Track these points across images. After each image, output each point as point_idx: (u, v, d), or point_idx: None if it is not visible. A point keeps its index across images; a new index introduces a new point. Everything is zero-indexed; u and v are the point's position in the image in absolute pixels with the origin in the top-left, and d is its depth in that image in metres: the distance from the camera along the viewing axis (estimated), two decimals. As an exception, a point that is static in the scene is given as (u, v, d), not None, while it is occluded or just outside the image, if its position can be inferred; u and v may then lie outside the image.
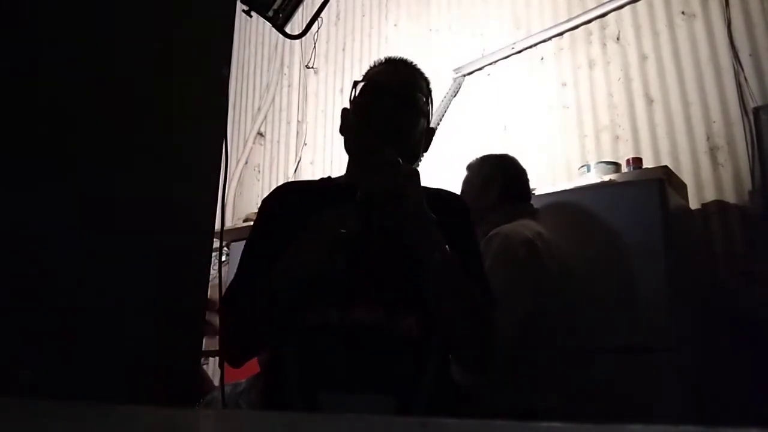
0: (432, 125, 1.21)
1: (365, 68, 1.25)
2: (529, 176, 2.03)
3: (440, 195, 1.15)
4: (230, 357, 1.13)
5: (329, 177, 1.25)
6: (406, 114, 1.10)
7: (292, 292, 1.02)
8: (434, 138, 1.21)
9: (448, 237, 1.04)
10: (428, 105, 1.17)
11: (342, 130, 1.21)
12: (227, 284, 1.17)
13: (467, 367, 1.14)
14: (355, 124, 1.14)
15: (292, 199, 1.17)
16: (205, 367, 2.81)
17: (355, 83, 1.16)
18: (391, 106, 1.08)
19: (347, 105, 1.23)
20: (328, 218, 1.00)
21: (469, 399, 1.31)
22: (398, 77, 1.14)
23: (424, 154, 1.19)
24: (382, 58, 1.22)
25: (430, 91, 1.19)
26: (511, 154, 2.05)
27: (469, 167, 2.00)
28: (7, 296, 0.83)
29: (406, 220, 0.99)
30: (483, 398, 1.49)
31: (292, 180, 1.27)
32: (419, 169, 1.12)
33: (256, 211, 1.26)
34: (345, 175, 1.18)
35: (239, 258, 1.17)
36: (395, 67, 1.18)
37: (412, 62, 1.20)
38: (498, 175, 1.93)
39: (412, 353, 0.99)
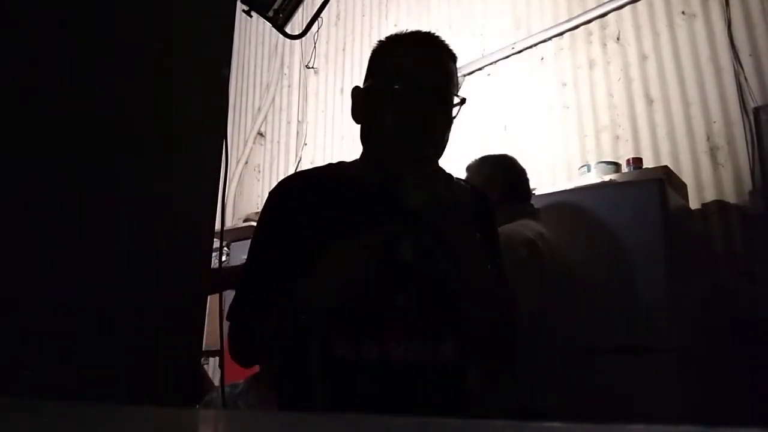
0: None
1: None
2: (529, 176, 2.03)
3: (471, 190, 1.09)
4: (239, 362, 1.07)
5: (339, 163, 1.13)
6: (444, 114, 1.00)
7: (322, 317, 0.92)
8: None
9: (483, 235, 1.00)
10: (456, 87, 1.05)
11: (356, 116, 1.07)
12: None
13: (496, 372, 1.12)
14: (385, 123, 0.99)
15: (304, 194, 1.05)
16: (205, 367, 2.81)
17: (381, 82, 1.02)
18: (432, 109, 0.97)
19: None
20: (374, 238, 0.90)
21: (472, 399, 1.31)
22: (436, 71, 1.00)
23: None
24: (408, 35, 1.05)
25: (456, 64, 1.06)
26: (511, 154, 2.04)
27: (469, 168, 2.00)
28: (8, 296, 0.83)
29: (455, 238, 0.92)
30: (484, 397, 1.49)
31: (299, 171, 1.13)
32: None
33: (257, 211, 1.24)
34: (360, 165, 1.08)
35: (246, 260, 1.08)
36: (430, 55, 1.02)
37: (442, 41, 1.04)
38: (498, 176, 1.93)
39: (448, 380, 0.95)
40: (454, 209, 0.91)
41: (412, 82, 0.98)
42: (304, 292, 0.92)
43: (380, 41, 1.07)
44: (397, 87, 0.98)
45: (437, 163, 1.00)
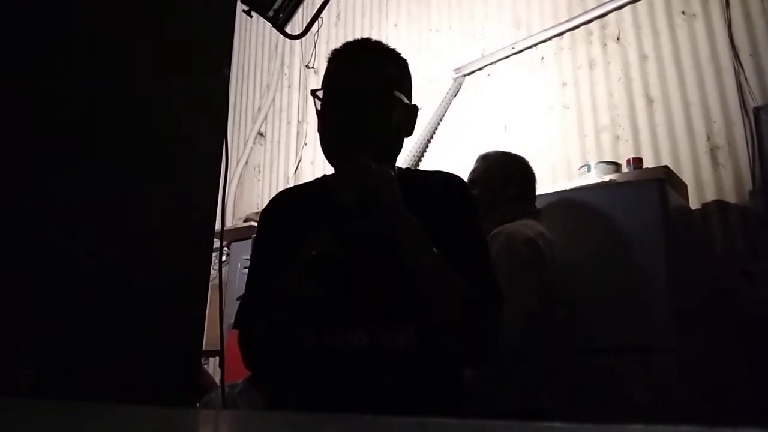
0: (418, 107, 1.12)
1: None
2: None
3: (437, 178, 1.10)
4: (252, 368, 1.14)
5: (324, 176, 1.20)
6: (368, 115, 1.02)
7: (282, 317, 1.00)
8: (417, 115, 1.12)
9: (445, 220, 1.00)
10: (400, 84, 1.08)
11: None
12: (226, 285, 1.17)
13: (466, 363, 1.08)
14: (320, 132, 1.08)
15: (289, 208, 1.14)
16: (205, 366, 2.81)
17: (313, 92, 1.09)
18: (349, 113, 1.02)
19: None
20: (305, 241, 0.97)
21: (472, 398, 1.31)
22: (351, 76, 1.05)
23: (408, 136, 1.11)
24: (333, 51, 1.13)
25: (401, 67, 1.10)
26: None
27: (488, 157, 1.98)
28: (8, 297, 0.83)
29: (382, 225, 0.94)
30: (484, 397, 1.49)
31: (289, 186, 1.19)
32: (403, 148, 1.09)
33: (257, 211, 1.25)
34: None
35: (248, 271, 1.17)
36: (346, 62, 1.09)
37: (367, 46, 1.10)
38: (519, 175, 1.94)
39: (413, 367, 0.96)
40: (382, 201, 0.93)
41: (331, 86, 1.06)
42: (270, 296, 1.02)
43: (331, 52, 1.14)
44: (320, 93, 1.06)
45: (381, 163, 1.00)
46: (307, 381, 1.00)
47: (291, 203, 1.15)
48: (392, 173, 0.98)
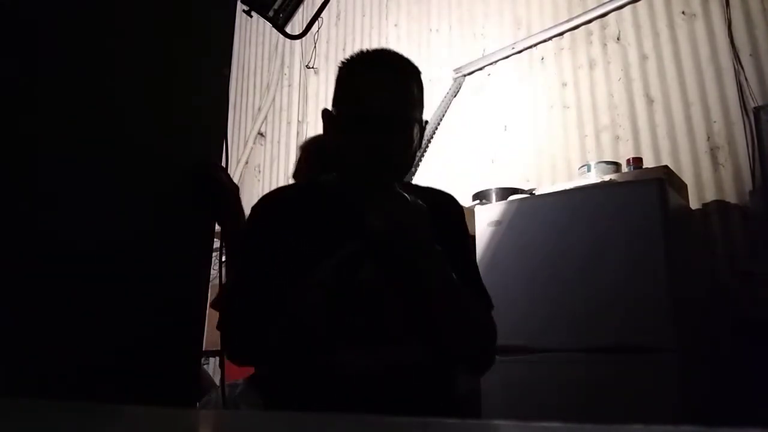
0: (426, 119, 1.11)
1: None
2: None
3: (435, 197, 1.12)
4: (233, 359, 1.10)
5: (319, 179, 1.17)
6: (402, 137, 1.01)
7: (304, 332, 0.98)
8: (426, 130, 1.14)
9: (446, 236, 1.03)
10: (421, 103, 1.07)
11: (327, 136, 1.13)
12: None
13: (476, 371, 1.15)
14: (345, 152, 1.03)
15: (288, 211, 1.10)
16: (205, 366, 2.81)
17: (327, 112, 1.06)
18: (386, 135, 0.99)
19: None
20: (341, 262, 0.96)
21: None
22: (390, 97, 1.01)
23: (420, 149, 1.14)
24: (366, 57, 1.06)
25: (421, 83, 1.08)
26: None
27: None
28: (8, 297, 0.83)
29: (418, 256, 0.97)
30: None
31: (282, 186, 1.17)
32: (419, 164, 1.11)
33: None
34: (334, 183, 1.12)
35: (235, 260, 1.16)
36: (385, 81, 1.03)
37: (399, 62, 1.06)
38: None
39: (423, 381, 0.99)
40: (410, 229, 0.95)
41: (365, 111, 1.01)
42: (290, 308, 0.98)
43: (342, 63, 1.08)
44: (352, 116, 1.02)
45: (397, 182, 1.04)
46: (313, 400, 0.99)
47: (289, 206, 1.11)
48: (426, 209, 0.98)
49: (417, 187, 1.20)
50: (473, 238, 2.24)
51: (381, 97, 1.01)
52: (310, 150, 1.76)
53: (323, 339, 0.98)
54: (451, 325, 1.01)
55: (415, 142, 1.05)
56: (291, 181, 1.81)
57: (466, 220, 1.19)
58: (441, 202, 1.12)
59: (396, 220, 0.94)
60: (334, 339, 0.97)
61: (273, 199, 1.14)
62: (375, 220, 0.93)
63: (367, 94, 1.02)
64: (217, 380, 1.88)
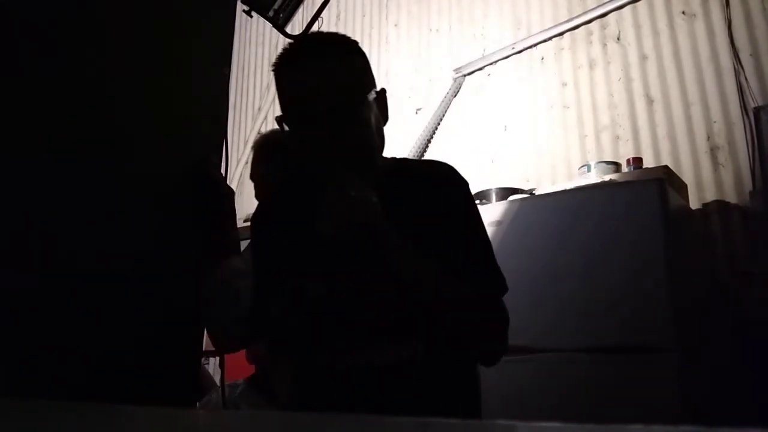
0: (382, 87, 1.03)
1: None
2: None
3: (429, 168, 1.06)
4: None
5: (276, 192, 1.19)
6: (352, 121, 0.95)
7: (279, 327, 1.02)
8: (387, 97, 1.03)
9: (441, 212, 0.97)
10: (363, 78, 0.99)
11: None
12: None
13: (483, 362, 1.04)
14: (297, 153, 1.00)
15: (275, 216, 1.13)
16: (205, 366, 2.81)
17: (279, 119, 0.99)
18: (325, 134, 0.93)
19: None
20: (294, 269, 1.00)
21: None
22: (316, 96, 0.94)
23: (386, 122, 1.03)
24: (286, 54, 0.98)
25: (357, 58, 0.99)
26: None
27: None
28: (8, 297, 0.83)
29: (371, 252, 0.93)
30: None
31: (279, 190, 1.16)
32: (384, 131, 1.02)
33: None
34: (292, 190, 1.13)
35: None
36: (303, 79, 0.95)
37: (315, 50, 0.97)
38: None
39: (420, 378, 0.94)
40: (360, 226, 0.90)
41: (298, 110, 0.95)
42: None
43: (273, 65, 1.00)
44: (292, 118, 0.97)
45: (368, 164, 0.97)
46: (308, 402, 0.99)
47: (276, 211, 1.13)
48: (374, 198, 0.92)
49: (409, 162, 1.14)
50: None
51: (306, 92, 0.94)
52: (258, 149, 1.72)
53: (303, 342, 0.99)
54: (439, 315, 0.95)
55: (371, 117, 0.97)
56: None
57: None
58: (432, 178, 1.03)
59: (341, 221, 0.89)
60: (314, 343, 0.98)
61: (265, 210, 1.18)
62: (321, 225, 0.90)
63: (293, 93, 0.97)
64: (217, 380, 1.88)
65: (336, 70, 0.95)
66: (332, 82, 0.94)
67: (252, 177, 1.71)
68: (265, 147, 1.68)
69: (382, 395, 0.93)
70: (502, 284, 1.00)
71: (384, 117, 1.02)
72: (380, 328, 0.95)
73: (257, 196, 1.63)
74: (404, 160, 1.13)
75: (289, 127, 0.98)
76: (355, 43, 1.01)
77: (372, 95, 0.99)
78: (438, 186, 1.01)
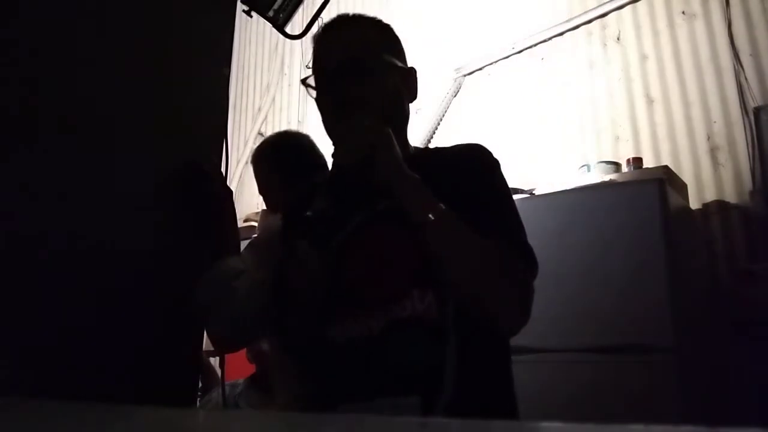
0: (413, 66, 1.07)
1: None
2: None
3: (457, 150, 1.04)
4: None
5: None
6: (361, 85, 0.98)
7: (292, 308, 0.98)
8: (417, 78, 1.07)
9: (472, 191, 0.93)
10: (388, 48, 1.04)
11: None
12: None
13: (501, 325, 0.95)
14: (322, 118, 1.04)
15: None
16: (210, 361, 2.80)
17: (304, 81, 1.05)
18: (342, 88, 0.97)
19: None
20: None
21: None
22: (335, 53, 1.01)
23: (412, 101, 1.06)
24: (314, 36, 1.08)
25: (385, 30, 1.06)
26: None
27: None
28: (8, 297, 0.83)
29: (382, 182, 0.88)
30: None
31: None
32: (409, 118, 1.05)
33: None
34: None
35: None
36: (327, 42, 1.04)
37: (345, 21, 1.07)
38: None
39: (433, 338, 0.88)
40: (380, 156, 0.88)
41: (318, 69, 1.02)
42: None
43: (313, 37, 1.09)
44: (313, 81, 1.03)
45: (379, 125, 0.94)
46: (321, 369, 0.95)
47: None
48: (389, 129, 0.91)
49: (436, 147, 1.12)
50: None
51: (333, 49, 1.02)
52: (260, 163, 1.66)
53: (315, 312, 0.95)
54: (457, 261, 0.88)
55: (393, 87, 1.01)
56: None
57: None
58: (462, 157, 1.01)
59: (354, 142, 0.89)
60: (325, 310, 0.94)
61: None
62: (336, 152, 0.90)
63: (321, 51, 1.04)
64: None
65: (361, 32, 1.04)
66: (353, 39, 1.02)
67: (261, 190, 1.66)
68: (268, 155, 1.65)
69: (397, 358, 0.88)
70: (532, 261, 0.93)
71: (411, 94, 1.06)
72: (392, 285, 0.91)
73: (273, 204, 1.57)
74: (432, 148, 1.14)
75: (315, 88, 1.03)
76: (388, 25, 1.09)
77: (394, 62, 1.03)
78: (469, 165, 0.99)
